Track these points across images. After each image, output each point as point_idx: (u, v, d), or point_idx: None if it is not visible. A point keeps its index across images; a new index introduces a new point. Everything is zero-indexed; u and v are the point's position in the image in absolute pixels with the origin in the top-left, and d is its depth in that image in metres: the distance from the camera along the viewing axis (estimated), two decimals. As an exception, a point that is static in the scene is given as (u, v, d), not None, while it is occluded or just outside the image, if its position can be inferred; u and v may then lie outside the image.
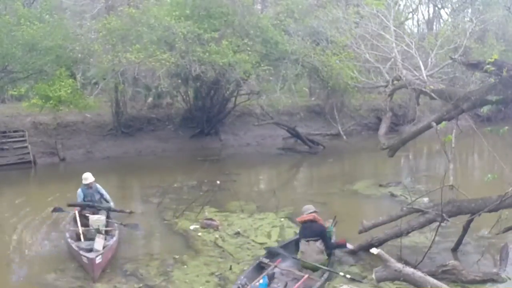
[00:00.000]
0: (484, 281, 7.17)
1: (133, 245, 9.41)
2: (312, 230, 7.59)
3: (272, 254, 7.79)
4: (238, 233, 9.52)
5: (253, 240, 9.21)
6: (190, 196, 12.49)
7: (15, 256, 9.08)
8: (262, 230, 9.70)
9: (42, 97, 17.32)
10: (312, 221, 7.63)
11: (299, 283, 6.89)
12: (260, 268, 7.41)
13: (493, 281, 7.22)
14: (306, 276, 7.09)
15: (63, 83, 17.10)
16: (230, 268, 7.75)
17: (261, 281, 6.83)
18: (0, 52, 16.29)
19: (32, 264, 8.74)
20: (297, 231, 9.58)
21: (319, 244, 7.53)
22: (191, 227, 9.92)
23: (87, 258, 7.51)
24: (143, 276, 7.70)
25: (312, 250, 7.52)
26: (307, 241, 7.56)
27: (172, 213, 10.95)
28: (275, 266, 7.40)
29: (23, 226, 10.77)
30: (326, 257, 7.60)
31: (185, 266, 8.04)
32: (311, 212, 7.76)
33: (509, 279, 7.31)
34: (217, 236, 9.40)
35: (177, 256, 8.47)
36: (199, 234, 9.53)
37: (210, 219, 10.10)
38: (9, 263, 8.71)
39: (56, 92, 16.85)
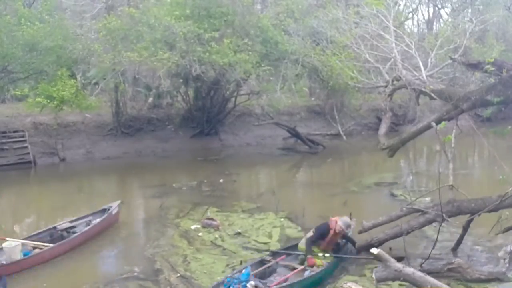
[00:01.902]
0: (489, 280, 7.20)
1: (136, 245, 9.42)
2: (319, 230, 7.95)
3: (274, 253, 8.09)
4: (238, 233, 9.54)
5: (254, 240, 9.23)
6: (190, 196, 12.51)
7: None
8: (263, 230, 9.70)
9: (46, 96, 17.31)
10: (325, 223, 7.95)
11: (294, 271, 7.21)
12: (262, 264, 7.56)
13: (499, 280, 7.23)
14: (302, 267, 7.35)
15: (65, 83, 17.09)
16: (241, 263, 7.84)
17: (243, 271, 7.00)
18: (0, 52, 16.29)
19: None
20: (297, 231, 9.65)
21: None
22: (192, 227, 9.94)
23: None
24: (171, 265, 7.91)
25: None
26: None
27: (173, 213, 10.94)
28: (277, 262, 7.56)
29: (23, 226, 10.78)
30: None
31: (196, 261, 8.15)
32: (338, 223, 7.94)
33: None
34: (216, 236, 9.43)
35: (183, 253, 8.55)
36: (200, 234, 9.54)
37: (211, 219, 10.11)
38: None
39: (59, 92, 16.85)
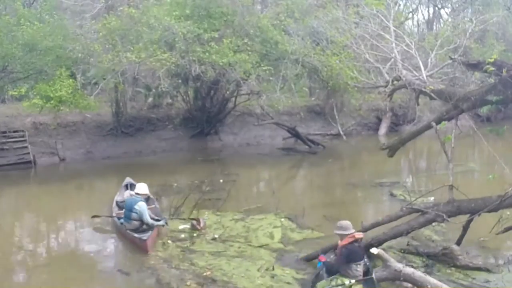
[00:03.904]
0: (477, 269, 7.42)
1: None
2: (363, 251, 6.85)
3: None
4: (214, 239, 9.27)
5: (232, 245, 9.01)
6: (190, 196, 12.48)
7: (15, 257, 9.09)
8: (264, 231, 9.62)
9: (42, 97, 17.32)
10: (358, 240, 6.81)
11: None
12: None
13: (488, 271, 7.39)
14: None
15: (63, 83, 17.09)
16: (273, 269, 7.72)
17: None
18: (0, 52, 16.29)
19: (32, 265, 8.75)
20: (298, 232, 9.61)
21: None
22: (180, 227, 9.86)
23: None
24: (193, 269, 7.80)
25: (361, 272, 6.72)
26: (361, 263, 6.72)
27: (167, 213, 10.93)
28: None
29: (23, 226, 10.78)
30: None
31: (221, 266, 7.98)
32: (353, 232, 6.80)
33: (508, 271, 7.39)
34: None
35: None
36: (183, 235, 9.43)
37: (198, 220, 9.90)
38: (8, 263, 8.71)
39: (56, 92, 16.85)
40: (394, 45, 11.32)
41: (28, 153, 18.06)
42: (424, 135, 9.49)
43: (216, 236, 9.36)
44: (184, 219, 10.01)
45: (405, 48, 11.39)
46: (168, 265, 7.94)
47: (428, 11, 35.77)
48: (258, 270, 7.71)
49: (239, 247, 8.77)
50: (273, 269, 7.70)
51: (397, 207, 9.14)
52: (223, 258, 8.27)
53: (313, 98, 26.80)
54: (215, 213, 10.89)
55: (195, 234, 9.49)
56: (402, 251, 8.17)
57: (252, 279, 7.39)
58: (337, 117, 23.08)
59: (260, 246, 8.81)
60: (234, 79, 17.75)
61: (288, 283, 7.26)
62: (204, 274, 7.61)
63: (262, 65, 17.28)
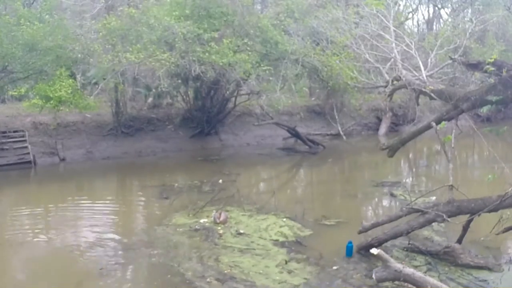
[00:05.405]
0: (479, 267, 7.48)
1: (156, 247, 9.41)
2: None
3: None
4: (240, 233, 9.53)
5: (260, 238, 9.25)
6: (191, 196, 12.49)
7: (14, 256, 9.09)
8: (275, 230, 9.70)
9: (42, 97, 17.31)
10: None
11: None
12: None
13: (489, 269, 7.44)
14: None
15: (63, 83, 17.08)
16: (286, 263, 7.92)
17: None
18: (0, 52, 16.28)
19: (32, 264, 8.75)
20: (302, 231, 9.62)
21: None
22: (201, 221, 10.11)
23: None
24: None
25: None
26: None
27: (176, 214, 10.92)
28: None
29: (22, 226, 10.78)
30: None
31: (237, 263, 8.08)
32: None
33: (507, 270, 7.43)
34: (220, 232, 9.51)
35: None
36: (220, 230, 9.62)
37: (219, 213, 10.27)
38: (8, 263, 8.71)
39: (56, 92, 16.84)
40: (394, 45, 11.32)
41: (28, 153, 18.04)
42: (424, 135, 9.50)
43: (242, 231, 9.61)
44: None
45: (405, 48, 11.40)
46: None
47: (428, 11, 35.82)
48: (277, 266, 7.84)
49: (258, 244, 8.96)
50: (285, 263, 7.86)
51: (397, 207, 9.15)
52: (244, 254, 8.45)
53: (313, 98, 26.80)
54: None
55: (219, 228, 9.77)
56: (405, 249, 8.19)
57: (270, 275, 7.51)
58: (337, 117, 23.11)
59: (276, 240, 9.04)
60: (234, 79, 17.75)
61: (305, 278, 7.36)
62: (225, 271, 7.75)
63: (262, 65, 17.28)
